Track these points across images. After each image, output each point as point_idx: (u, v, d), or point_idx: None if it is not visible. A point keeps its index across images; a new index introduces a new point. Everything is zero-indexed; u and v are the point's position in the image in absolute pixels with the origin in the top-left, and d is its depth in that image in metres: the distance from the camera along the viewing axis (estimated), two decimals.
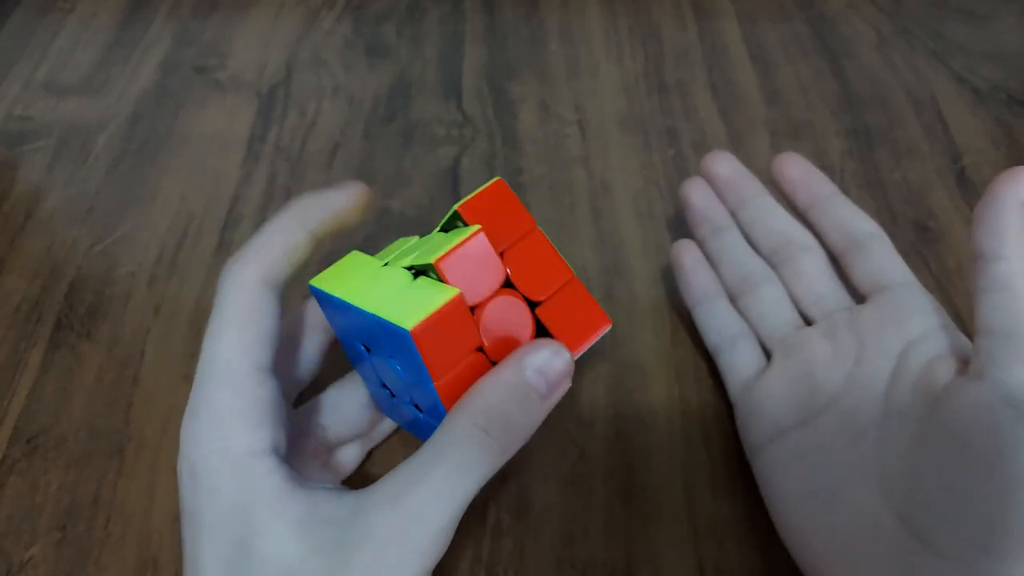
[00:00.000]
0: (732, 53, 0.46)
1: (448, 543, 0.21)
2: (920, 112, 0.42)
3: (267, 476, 0.21)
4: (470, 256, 0.21)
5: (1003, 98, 0.42)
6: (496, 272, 0.22)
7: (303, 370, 0.26)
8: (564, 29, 0.48)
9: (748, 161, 0.39)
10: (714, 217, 0.32)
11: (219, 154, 0.41)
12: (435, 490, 0.20)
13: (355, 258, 0.24)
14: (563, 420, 0.30)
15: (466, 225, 0.23)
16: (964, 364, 0.23)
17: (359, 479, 0.28)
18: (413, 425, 0.25)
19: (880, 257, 0.28)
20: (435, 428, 0.22)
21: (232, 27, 0.48)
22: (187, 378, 0.31)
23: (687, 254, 0.32)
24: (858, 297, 0.28)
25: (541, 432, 0.30)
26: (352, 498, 0.21)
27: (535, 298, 0.23)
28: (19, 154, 0.41)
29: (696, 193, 0.32)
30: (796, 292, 0.29)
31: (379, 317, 0.20)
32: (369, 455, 0.29)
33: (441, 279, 0.21)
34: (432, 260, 0.21)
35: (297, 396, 0.27)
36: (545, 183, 0.39)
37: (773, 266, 0.30)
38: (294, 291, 0.25)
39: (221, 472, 0.21)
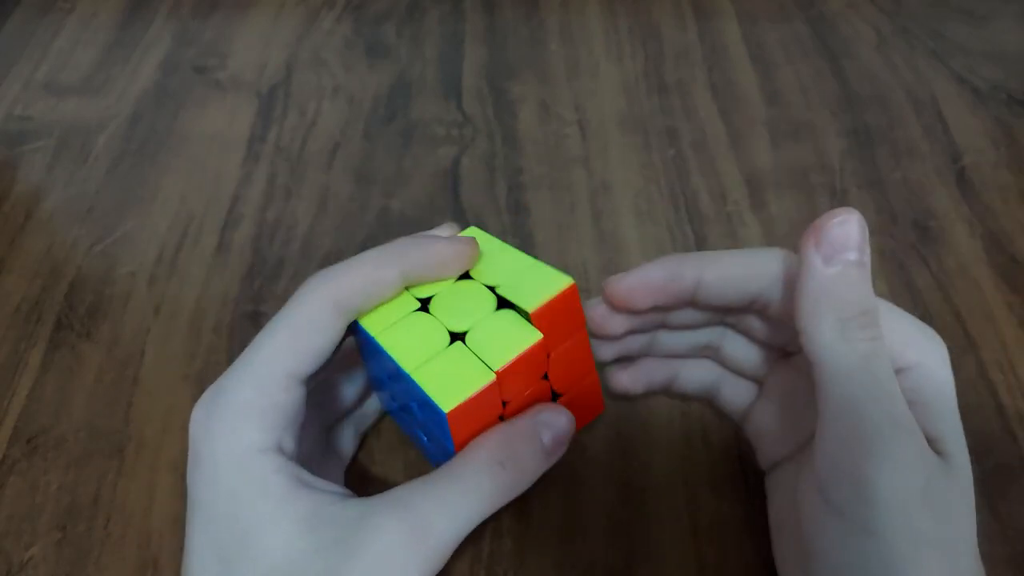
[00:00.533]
0: (732, 53, 0.46)
1: (446, 561, 0.21)
2: (920, 112, 0.42)
3: (274, 473, 0.21)
4: (525, 362, 0.22)
5: (1003, 98, 0.42)
6: (539, 373, 0.23)
7: (341, 401, 0.27)
8: (564, 29, 0.48)
9: (748, 161, 0.40)
10: (638, 341, 0.28)
11: (219, 154, 0.41)
12: (447, 506, 0.21)
13: (403, 298, 0.24)
14: None
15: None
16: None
17: (362, 482, 0.28)
18: (426, 452, 0.26)
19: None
20: (438, 452, 0.24)
21: (232, 27, 0.48)
22: (187, 378, 0.32)
23: (625, 379, 0.28)
24: None
25: None
26: (359, 502, 0.21)
27: (560, 391, 0.25)
28: (19, 154, 0.41)
29: (612, 324, 0.26)
30: (770, 339, 0.26)
31: (419, 387, 0.21)
32: (370, 455, 0.29)
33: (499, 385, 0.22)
34: (496, 367, 0.22)
35: None
36: (545, 183, 0.39)
37: (732, 324, 0.27)
38: None
39: (227, 464, 0.21)
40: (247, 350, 0.22)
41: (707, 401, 0.29)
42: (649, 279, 0.24)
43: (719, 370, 0.28)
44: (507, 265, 0.24)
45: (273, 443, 0.21)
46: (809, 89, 0.43)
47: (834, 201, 0.37)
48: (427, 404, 0.22)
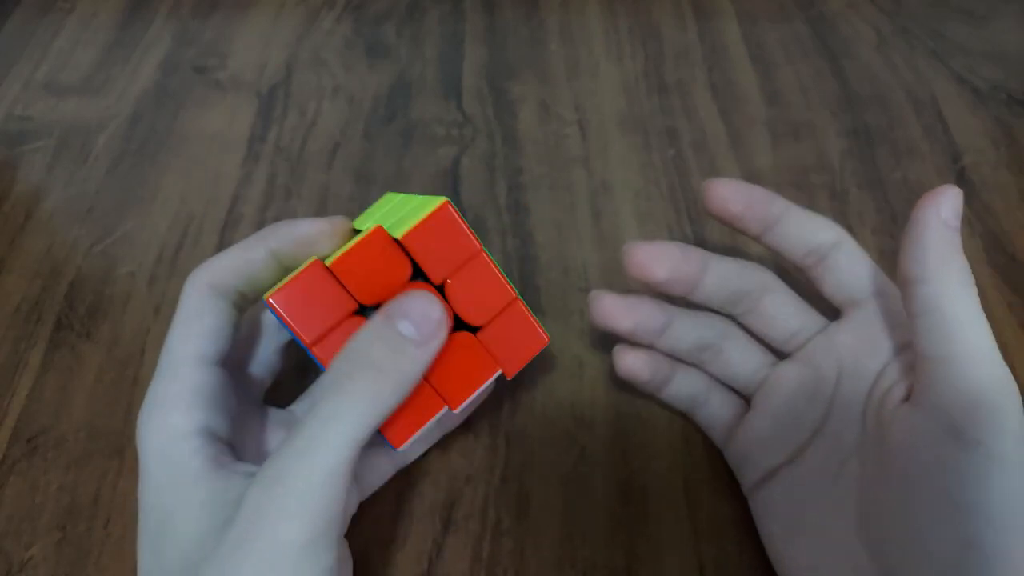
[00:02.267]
0: (732, 53, 0.46)
1: (338, 495, 0.20)
2: (920, 112, 0.42)
3: (190, 457, 0.21)
4: (363, 253, 0.22)
5: (1003, 98, 0.42)
6: (399, 268, 0.23)
7: (263, 368, 0.27)
8: (564, 29, 0.48)
9: (748, 161, 0.40)
10: (652, 326, 0.28)
11: (219, 154, 0.41)
12: (294, 451, 0.20)
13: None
14: (563, 420, 0.30)
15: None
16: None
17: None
18: None
19: (847, 266, 0.26)
20: None
21: (232, 27, 0.48)
22: None
23: (635, 362, 0.28)
24: (831, 309, 0.27)
25: (541, 432, 0.30)
26: (250, 477, 0.21)
27: (475, 324, 0.24)
28: (19, 154, 0.41)
29: (622, 319, 0.27)
30: (768, 334, 0.27)
31: (263, 299, 0.22)
32: None
33: (333, 275, 0.22)
34: (328, 261, 0.22)
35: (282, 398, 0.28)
36: (545, 183, 0.39)
37: (737, 316, 0.28)
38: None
39: (152, 454, 0.22)
40: (160, 354, 0.23)
41: (690, 415, 0.30)
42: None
43: (708, 381, 0.29)
44: (398, 208, 0.25)
45: (197, 425, 0.22)
46: (809, 89, 0.43)
47: (834, 201, 0.37)
48: (268, 308, 0.22)
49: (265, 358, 0.27)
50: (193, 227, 0.37)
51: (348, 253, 0.22)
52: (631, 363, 0.28)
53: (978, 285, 0.34)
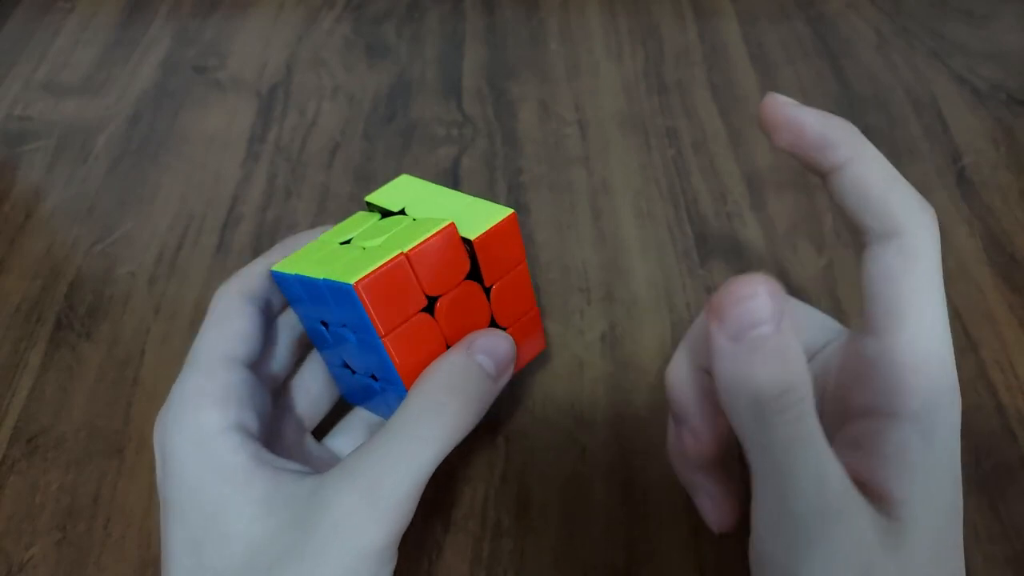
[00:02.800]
0: (732, 53, 0.46)
1: (411, 513, 0.21)
2: (920, 112, 0.42)
3: (232, 454, 0.21)
4: (438, 248, 0.23)
5: (1003, 98, 0.42)
6: (462, 265, 0.23)
7: (278, 366, 0.27)
8: (564, 29, 0.48)
9: (748, 161, 0.39)
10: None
11: (219, 154, 0.41)
12: (391, 461, 0.21)
13: (314, 245, 0.26)
14: (563, 420, 0.30)
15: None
16: None
17: None
18: (377, 404, 0.26)
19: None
20: (395, 398, 0.23)
21: (232, 27, 0.48)
22: None
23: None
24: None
25: (541, 432, 0.30)
26: (313, 478, 0.21)
27: (501, 324, 0.25)
28: (19, 154, 0.41)
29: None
30: None
31: (329, 280, 0.22)
32: None
33: (411, 267, 0.22)
34: (405, 250, 0.22)
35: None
36: (545, 183, 0.39)
37: None
38: None
39: (187, 451, 0.21)
40: (187, 358, 0.23)
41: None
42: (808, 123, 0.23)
43: None
44: (447, 203, 0.25)
45: (231, 421, 0.22)
46: (809, 89, 0.43)
47: (834, 201, 0.37)
48: (341, 296, 0.22)
49: (280, 355, 0.27)
50: (193, 227, 0.37)
51: (426, 246, 0.22)
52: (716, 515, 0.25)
53: (978, 285, 0.34)
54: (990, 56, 0.45)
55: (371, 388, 0.25)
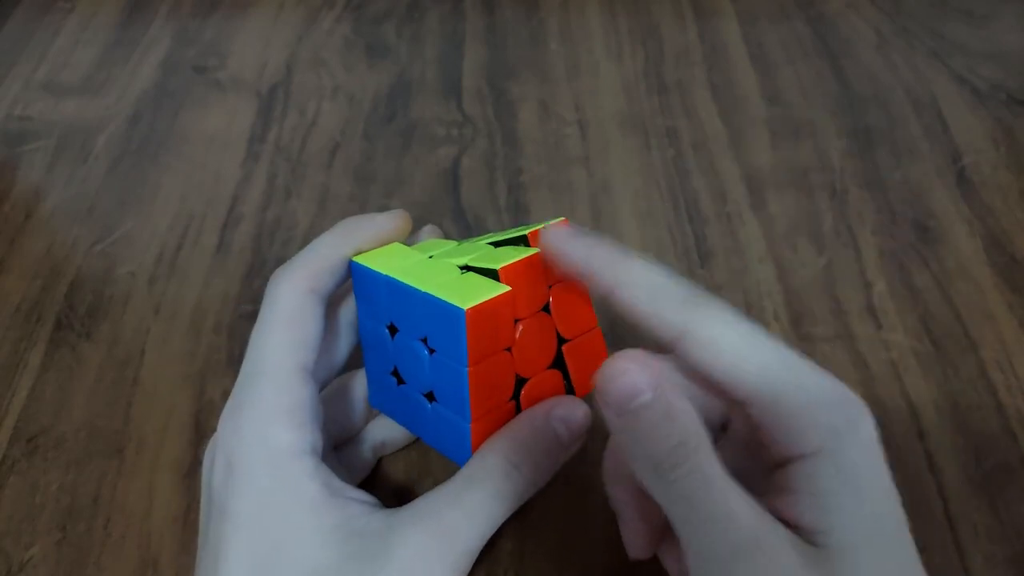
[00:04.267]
0: (732, 53, 0.46)
1: (470, 567, 0.21)
2: (920, 112, 0.42)
3: (307, 479, 0.21)
4: (527, 270, 0.23)
5: (1003, 98, 0.42)
6: (542, 293, 0.23)
7: (331, 369, 0.27)
8: (564, 29, 0.48)
9: (748, 161, 0.39)
10: None
11: (219, 154, 0.41)
12: (469, 512, 0.21)
13: (397, 248, 0.25)
14: None
15: (527, 245, 0.24)
16: None
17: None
18: (414, 419, 0.25)
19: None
20: (445, 423, 0.23)
21: (232, 27, 0.48)
22: (187, 378, 0.32)
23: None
24: None
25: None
26: (386, 514, 0.21)
27: (565, 336, 0.24)
28: (19, 154, 0.41)
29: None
30: None
31: (433, 296, 0.21)
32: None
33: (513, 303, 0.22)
34: (497, 266, 0.22)
35: None
36: (545, 183, 0.39)
37: None
38: None
39: (261, 468, 0.21)
40: (250, 355, 0.22)
41: None
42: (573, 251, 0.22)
43: None
44: (472, 249, 0.25)
45: (306, 443, 0.21)
46: (809, 89, 0.43)
47: (834, 201, 0.37)
48: (445, 316, 0.21)
49: (332, 362, 0.26)
50: (193, 227, 0.37)
51: (521, 265, 0.22)
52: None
53: (978, 285, 0.34)
54: (990, 56, 0.45)
55: (418, 405, 0.24)
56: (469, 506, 0.21)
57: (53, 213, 0.38)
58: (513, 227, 0.37)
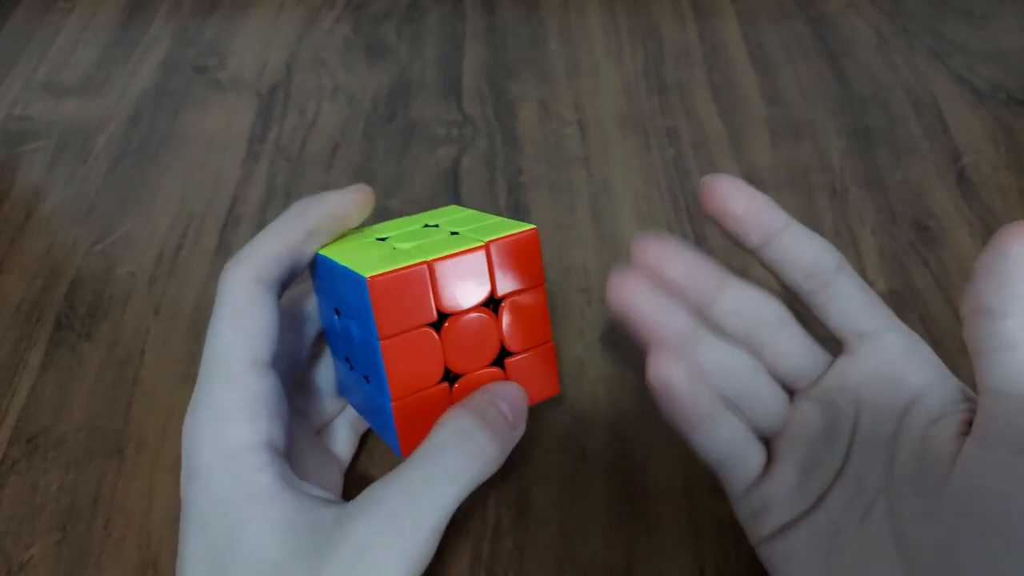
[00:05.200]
0: (732, 53, 0.46)
1: (433, 550, 0.21)
2: (920, 112, 0.42)
3: (258, 473, 0.21)
4: (465, 266, 0.22)
5: (1003, 98, 0.42)
6: (481, 291, 0.23)
7: (296, 359, 0.26)
8: (564, 29, 0.48)
9: (748, 161, 0.40)
10: (675, 329, 0.25)
11: (219, 154, 0.41)
12: (415, 496, 0.21)
13: (357, 233, 0.26)
14: (563, 420, 0.30)
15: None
16: (966, 423, 0.22)
17: (363, 484, 0.28)
18: (364, 407, 0.26)
19: (852, 296, 0.24)
20: (380, 403, 0.23)
21: (232, 27, 0.48)
22: (187, 378, 0.32)
23: (676, 376, 0.24)
24: (831, 339, 0.26)
25: (541, 432, 0.30)
26: (336, 507, 0.21)
27: (510, 348, 0.24)
28: (19, 154, 0.41)
29: (643, 303, 0.24)
30: (778, 370, 0.25)
31: (346, 268, 0.22)
32: (370, 456, 0.29)
33: (431, 277, 0.22)
34: (429, 258, 0.22)
35: None
36: (545, 183, 0.39)
37: (751, 350, 0.25)
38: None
39: (214, 466, 0.21)
40: (204, 355, 0.22)
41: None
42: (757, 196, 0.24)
43: (746, 433, 0.25)
44: (478, 220, 0.25)
45: (262, 438, 0.21)
46: (809, 89, 0.43)
47: (834, 201, 0.37)
48: (354, 286, 0.21)
49: (297, 349, 0.26)
50: (193, 227, 0.37)
51: (452, 261, 0.22)
52: (666, 370, 0.24)
53: None
54: (990, 56, 0.45)
55: (362, 387, 0.25)
56: (417, 490, 0.21)
57: (53, 213, 0.38)
58: None
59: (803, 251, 0.25)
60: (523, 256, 0.24)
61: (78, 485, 0.29)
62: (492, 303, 0.24)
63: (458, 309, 0.23)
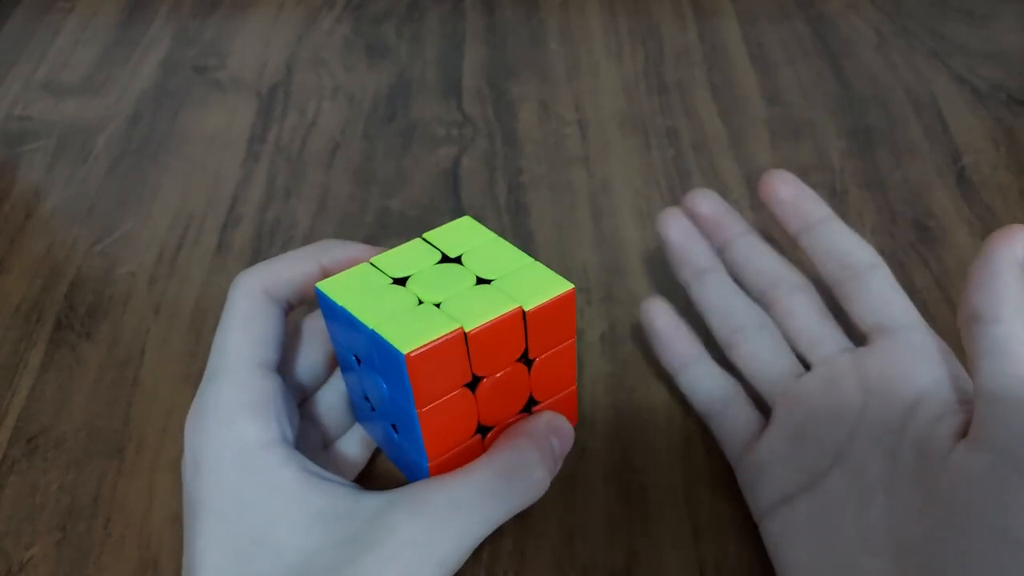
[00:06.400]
0: (732, 53, 0.46)
1: (459, 566, 0.21)
2: (920, 112, 0.42)
3: (280, 467, 0.21)
4: (500, 330, 0.21)
5: (1003, 98, 0.42)
6: (516, 350, 0.22)
7: (307, 378, 0.26)
8: (564, 29, 0.48)
9: (748, 161, 0.40)
10: (697, 259, 0.29)
11: (219, 154, 0.41)
12: (463, 507, 0.21)
13: (365, 270, 0.24)
14: None
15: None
16: (966, 424, 0.22)
17: (360, 480, 0.28)
18: (387, 443, 0.25)
19: (881, 291, 0.25)
20: (408, 450, 0.23)
21: (232, 27, 0.48)
22: (187, 378, 0.32)
23: (659, 318, 0.29)
24: (854, 333, 0.27)
25: None
26: (373, 497, 0.21)
27: (539, 399, 0.24)
28: (19, 154, 0.41)
29: (676, 229, 0.30)
30: (790, 334, 0.27)
31: (377, 334, 0.21)
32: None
33: (467, 346, 0.21)
34: (465, 323, 0.21)
35: None
36: (545, 183, 0.39)
37: (763, 307, 0.28)
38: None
39: (228, 464, 0.21)
40: (211, 356, 0.23)
41: (704, 424, 0.29)
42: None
43: (732, 386, 0.28)
44: (503, 261, 0.23)
45: (274, 435, 0.21)
46: (809, 89, 0.43)
47: (834, 201, 0.37)
48: (389, 357, 0.20)
49: (308, 365, 0.26)
50: (193, 227, 0.37)
51: (488, 327, 0.21)
52: (652, 310, 0.29)
53: None
54: (990, 56, 0.45)
55: (387, 432, 0.24)
56: (466, 504, 0.21)
57: (53, 213, 0.38)
58: (511, 226, 0.37)
59: (839, 243, 0.26)
60: (559, 316, 0.23)
61: (78, 485, 0.29)
62: (525, 358, 0.23)
63: (493, 373, 0.22)
